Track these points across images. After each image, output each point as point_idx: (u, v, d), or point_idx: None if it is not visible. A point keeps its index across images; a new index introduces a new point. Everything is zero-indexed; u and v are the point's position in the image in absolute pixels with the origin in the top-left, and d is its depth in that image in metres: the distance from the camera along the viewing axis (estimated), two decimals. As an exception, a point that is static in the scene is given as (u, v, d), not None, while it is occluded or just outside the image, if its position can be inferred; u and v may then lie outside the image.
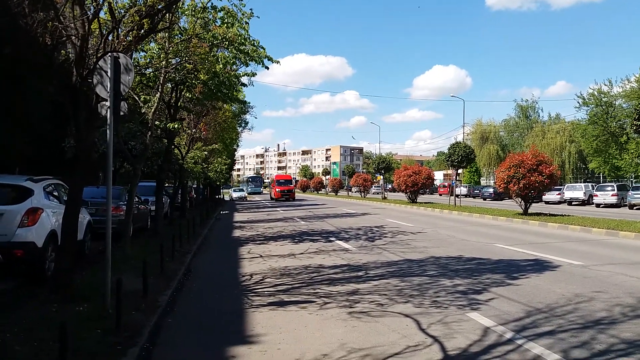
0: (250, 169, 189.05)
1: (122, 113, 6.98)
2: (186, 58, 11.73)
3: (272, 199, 52.23)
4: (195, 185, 34.07)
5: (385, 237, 15.30)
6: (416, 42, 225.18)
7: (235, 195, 57.99)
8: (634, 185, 39.09)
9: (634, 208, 30.60)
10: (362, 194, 55.18)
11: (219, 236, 17.02)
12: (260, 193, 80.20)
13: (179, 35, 11.71)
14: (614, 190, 32.89)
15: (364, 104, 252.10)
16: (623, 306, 6.52)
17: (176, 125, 13.65)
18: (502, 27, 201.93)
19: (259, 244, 14.20)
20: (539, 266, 9.74)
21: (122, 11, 7.87)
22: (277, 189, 51.03)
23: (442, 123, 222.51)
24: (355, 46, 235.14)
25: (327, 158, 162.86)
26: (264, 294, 7.67)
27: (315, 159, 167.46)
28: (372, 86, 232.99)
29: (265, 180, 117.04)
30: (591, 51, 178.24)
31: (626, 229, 15.27)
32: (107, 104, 6.36)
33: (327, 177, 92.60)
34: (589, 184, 39.21)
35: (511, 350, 4.92)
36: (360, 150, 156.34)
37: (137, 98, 11.75)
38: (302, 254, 11.89)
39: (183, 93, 14.64)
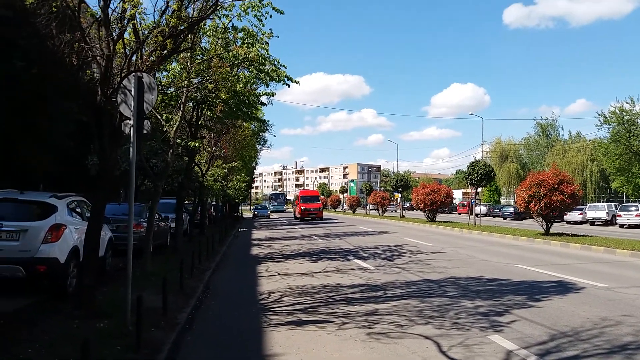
0: (268, 187, 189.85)
1: (145, 131, 7.13)
2: (207, 77, 11.95)
3: (295, 217, 47.51)
4: (214, 203, 34.31)
5: (404, 256, 15.16)
6: (433, 61, 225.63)
7: (257, 212, 57.37)
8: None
9: (660, 229, 29.83)
10: (380, 212, 54.94)
11: (237, 254, 17.06)
12: (283, 211, 78.93)
13: (201, 56, 11.93)
14: (637, 210, 32.13)
15: (382, 122, 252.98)
16: (651, 331, 6.33)
17: (197, 144, 13.83)
18: (520, 46, 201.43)
19: (277, 261, 14.20)
20: (562, 288, 9.54)
21: (146, 32, 8.07)
22: (302, 207, 45.71)
23: (460, 141, 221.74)
24: (373, 65, 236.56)
25: (344, 176, 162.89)
26: (282, 312, 7.64)
27: (332, 177, 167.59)
28: (390, 104, 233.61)
29: (288, 198, 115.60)
30: (611, 69, 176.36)
31: (650, 250, 14.88)
32: (131, 122, 6.49)
33: (345, 194, 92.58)
34: (612, 204, 38.43)
35: (535, 375, 4.81)
36: (378, 168, 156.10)
37: (159, 117, 11.96)
38: (320, 272, 11.85)
39: (204, 112, 14.86)
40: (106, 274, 10.01)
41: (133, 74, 6.54)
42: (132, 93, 6.41)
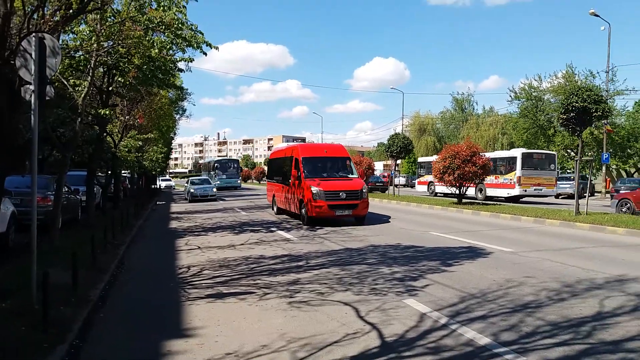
0: (189, 158, 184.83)
1: (48, 98, 6.57)
2: (119, 41, 11.20)
3: (279, 210, 20.30)
4: (129, 175, 32.81)
5: (327, 226, 15.39)
6: (357, 34, 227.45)
7: (195, 190, 31.48)
8: (559, 175, 41.52)
9: (560, 197, 32.48)
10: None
11: (154, 227, 16.52)
12: (237, 187, 50.44)
13: (112, 18, 11.15)
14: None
15: (306, 93, 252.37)
16: (549, 290, 6.89)
17: (108, 112, 13.05)
18: (439, 22, 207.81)
19: (197, 235, 13.90)
20: (472, 253, 10.14)
21: (49, -12, 7.39)
22: (315, 189, 15.52)
23: (382, 114, 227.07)
24: (297, 35, 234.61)
25: (269, 148, 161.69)
26: (201, 286, 7.51)
27: (257, 149, 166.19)
28: (314, 76, 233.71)
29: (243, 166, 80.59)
30: (522, 47, 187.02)
31: (552, 217, 16.18)
32: (32, 87, 5.95)
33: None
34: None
35: (445, 335, 5.08)
36: (303, 140, 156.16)
37: (65, 82, 11.10)
38: (242, 245, 11.75)
39: (116, 78, 13.97)
40: (9, 251, 9.30)
41: (34, 35, 5.97)
42: (33, 56, 5.86)
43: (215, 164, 51.33)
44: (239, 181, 52.49)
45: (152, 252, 11.30)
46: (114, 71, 13.42)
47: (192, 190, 31.20)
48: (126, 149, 20.77)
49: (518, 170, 26.20)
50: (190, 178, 37.93)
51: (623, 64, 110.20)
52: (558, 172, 44.58)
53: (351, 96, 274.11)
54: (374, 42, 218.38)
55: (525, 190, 26.22)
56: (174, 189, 57.96)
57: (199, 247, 11.39)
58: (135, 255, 10.51)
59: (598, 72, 35.91)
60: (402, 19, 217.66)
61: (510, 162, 26.95)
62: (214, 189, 32.66)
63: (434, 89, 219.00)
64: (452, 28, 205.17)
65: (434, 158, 28.33)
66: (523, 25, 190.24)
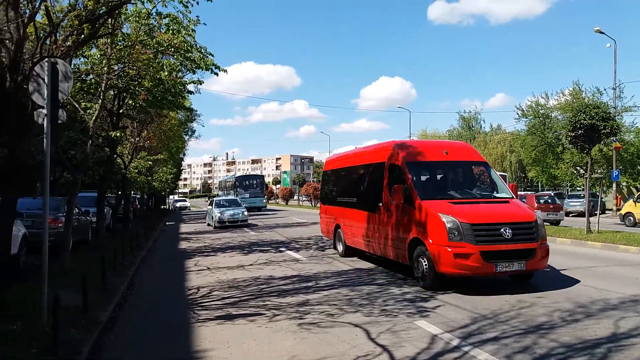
0: (197, 178, 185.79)
1: (60, 121, 6.67)
2: (129, 64, 11.38)
3: (349, 251, 12.58)
4: (139, 196, 33.02)
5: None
6: (363, 54, 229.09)
7: (223, 214, 25.15)
8: (569, 193, 41.24)
9: (570, 215, 32.18)
10: (313, 203, 55.25)
11: (164, 248, 16.54)
12: (262, 208, 45.55)
13: (122, 42, 11.35)
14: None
15: (313, 113, 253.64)
16: (562, 311, 6.79)
17: (118, 134, 13.19)
18: (444, 41, 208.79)
19: (207, 255, 13.90)
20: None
21: (61, 15, 7.54)
22: (450, 221, 8.09)
23: (389, 133, 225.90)
24: (303, 56, 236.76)
25: (277, 167, 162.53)
26: (211, 307, 7.48)
27: (265, 168, 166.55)
28: (321, 96, 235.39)
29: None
30: (527, 65, 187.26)
31: (563, 235, 16.01)
32: (44, 111, 6.05)
33: (278, 186, 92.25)
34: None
35: (458, 358, 5.01)
36: (311, 159, 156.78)
37: (77, 105, 11.27)
38: (251, 265, 11.72)
39: (126, 101, 14.18)
40: (20, 273, 9.33)
41: (46, 60, 6.09)
42: (46, 80, 5.97)
43: (236, 181, 47.52)
44: (264, 200, 46.96)
45: (162, 273, 11.30)
46: (125, 94, 13.62)
47: (218, 215, 24.17)
48: (136, 170, 20.96)
49: None
50: (214, 199, 29.21)
51: (630, 81, 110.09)
52: (567, 190, 44.21)
53: (358, 115, 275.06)
54: (380, 61, 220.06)
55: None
56: (189, 209, 57.30)
57: (208, 268, 11.38)
58: (145, 277, 10.51)
59: (605, 89, 35.67)
60: (407, 39, 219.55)
61: None
62: (245, 212, 25.55)
63: (440, 108, 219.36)
64: (457, 47, 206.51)
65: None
66: (528, 44, 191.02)
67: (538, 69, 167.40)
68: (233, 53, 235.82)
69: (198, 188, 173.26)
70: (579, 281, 8.91)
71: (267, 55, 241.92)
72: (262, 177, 50.09)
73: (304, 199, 66.48)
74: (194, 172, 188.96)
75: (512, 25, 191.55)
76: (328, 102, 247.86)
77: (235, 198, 30.50)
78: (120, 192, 21.24)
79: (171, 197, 64.71)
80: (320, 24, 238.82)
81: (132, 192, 25.69)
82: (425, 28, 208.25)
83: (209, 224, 26.41)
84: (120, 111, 14.50)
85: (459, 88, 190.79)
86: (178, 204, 57.86)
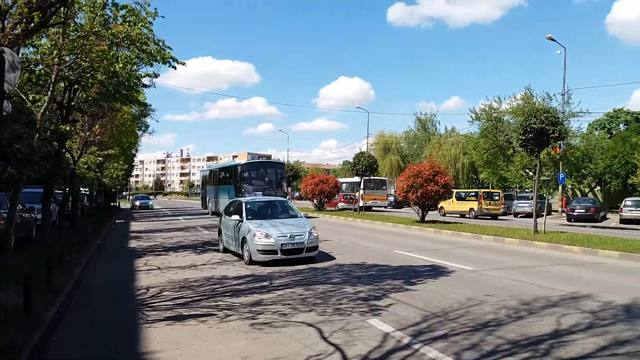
0: (150, 175, 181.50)
1: (5, 113, 6.35)
2: (82, 56, 10.97)
3: None
4: (88, 192, 31.91)
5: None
6: (323, 54, 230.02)
7: (267, 236, 11.29)
8: (518, 195, 42.77)
9: (519, 216, 33.37)
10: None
11: (113, 247, 16.05)
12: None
13: (75, 32, 10.93)
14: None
15: (272, 111, 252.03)
16: (508, 308, 7.01)
17: (68, 128, 12.70)
18: (403, 44, 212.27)
19: (157, 255, 13.57)
20: (435, 272, 10.24)
21: (9, 1, 7.19)
22: None
23: (348, 133, 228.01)
24: (263, 54, 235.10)
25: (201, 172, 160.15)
26: (161, 308, 7.30)
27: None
28: (280, 94, 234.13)
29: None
30: (482, 69, 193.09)
31: (511, 235, 16.57)
32: (-14, 102, 5.73)
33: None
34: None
35: (408, 355, 5.08)
36: (269, 157, 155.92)
37: (24, 97, 10.78)
38: (204, 265, 11.53)
39: (77, 93, 13.68)
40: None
41: (-9, 47, 5.78)
42: (-11, 69, 5.66)
43: (242, 172, 28.19)
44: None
45: (110, 272, 10.95)
46: (76, 86, 13.13)
47: (261, 238, 11.45)
48: (85, 166, 20.25)
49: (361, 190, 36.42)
50: (241, 202, 13.50)
51: (578, 87, 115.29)
52: (517, 191, 45.88)
53: (317, 114, 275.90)
54: (340, 61, 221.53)
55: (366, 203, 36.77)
56: (150, 207, 48.88)
57: (159, 268, 11.11)
58: (92, 276, 10.16)
59: (554, 95, 37.10)
60: (367, 40, 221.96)
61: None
62: (312, 229, 12.12)
63: (398, 109, 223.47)
64: (415, 49, 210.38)
65: (353, 179, 38.67)
66: (483, 48, 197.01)
67: (492, 73, 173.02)
68: (191, 47, 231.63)
69: (150, 185, 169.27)
70: (524, 280, 9.22)
71: (226, 50, 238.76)
72: (282, 165, 31.33)
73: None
74: (147, 169, 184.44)
75: (469, 29, 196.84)
76: (287, 100, 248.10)
77: (283, 200, 15.23)
78: (68, 189, 20.46)
79: (136, 195, 58.99)
80: (280, 22, 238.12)
81: (81, 188, 24.81)
82: (384, 30, 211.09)
83: (225, 249, 13.66)
84: (71, 104, 13.97)
85: (417, 90, 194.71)
86: (138, 202, 49.07)
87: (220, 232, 14.05)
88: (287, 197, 26.07)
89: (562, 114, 33.07)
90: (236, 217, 12.38)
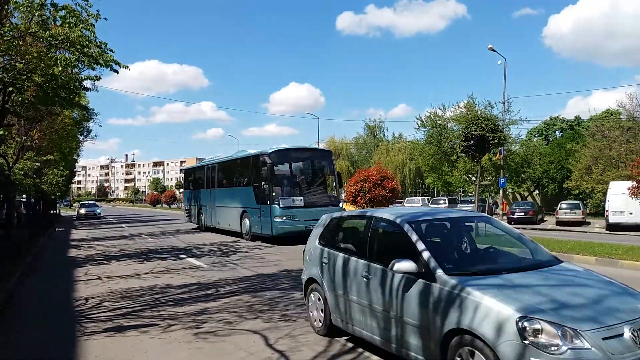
0: (93, 181, 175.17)
1: None
2: (17, 57, 10.47)
3: None
4: (25, 199, 30.40)
5: (241, 251, 15.13)
6: (273, 59, 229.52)
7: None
8: (462, 199, 44.22)
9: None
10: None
11: (51, 256, 15.34)
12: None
13: (10, 32, 10.42)
14: (445, 203, 36.78)
15: (222, 115, 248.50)
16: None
17: (3, 132, 12.07)
18: (352, 51, 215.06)
19: (99, 264, 13.07)
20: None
21: None
22: None
23: (298, 138, 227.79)
24: (212, 58, 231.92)
25: (181, 170, 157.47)
26: (100, 319, 7.03)
27: (168, 172, 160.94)
28: (230, 99, 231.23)
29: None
30: (428, 77, 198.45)
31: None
32: None
33: (182, 190, 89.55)
34: (426, 198, 43.36)
35: (353, 359, 5.13)
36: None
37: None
38: (147, 273, 11.20)
39: (12, 96, 13.02)
40: None
41: None
42: None
43: (270, 164, 17.05)
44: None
45: (47, 283, 10.45)
46: (11, 88, 12.49)
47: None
48: (22, 172, 19.29)
49: None
50: (414, 224, 5.14)
51: (518, 96, 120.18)
52: (461, 195, 47.46)
53: (268, 120, 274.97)
54: (290, 67, 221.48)
55: None
56: (98, 215, 44.52)
57: (100, 277, 10.71)
58: (27, 287, 9.67)
59: (495, 103, 38.60)
60: (317, 47, 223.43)
61: None
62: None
63: (348, 115, 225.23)
64: (364, 57, 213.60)
65: None
66: (429, 57, 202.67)
67: (438, 82, 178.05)
68: (137, 50, 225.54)
69: (93, 192, 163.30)
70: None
71: (174, 54, 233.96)
72: (329, 154, 20.81)
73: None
74: (90, 175, 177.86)
75: (416, 39, 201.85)
76: (237, 104, 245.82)
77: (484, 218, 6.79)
78: (2, 196, 19.41)
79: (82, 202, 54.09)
80: (230, 27, 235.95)
81: (18, 195, 23.60)
82: (334, 38, 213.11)
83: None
84: (6, 107, 13.27)
85: (366, 97, 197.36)
86: (84, 210, 44.70)
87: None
88: (341, 204, 18.80)
89: (502, 121, 34.41)
90: (405, 265, 4.43)
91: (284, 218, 16.38)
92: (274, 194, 16.55)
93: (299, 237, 14.49)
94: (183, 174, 31.84)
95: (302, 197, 16.91)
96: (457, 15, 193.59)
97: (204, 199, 23.88)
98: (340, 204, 17.24)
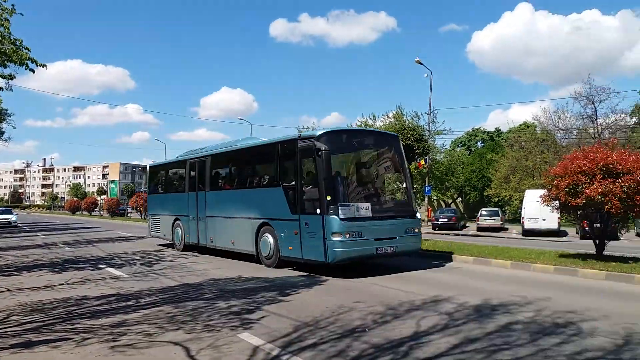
0: (6, 187, 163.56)
1: None
2: None
3: None
4: None
5: (165, 261, 14.62)
6: (204, 63, 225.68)
7: None
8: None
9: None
10: (143, 216, 52.22)
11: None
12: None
13: None
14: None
15: (148, 119, 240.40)
16: (375, 314, 7.33)
17: None
18: (285, 58, 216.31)
19: (8, 275, 12.13)
20: (309, 281, 10.41)
21: None
22: None
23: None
24: (139, 60, 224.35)
25: (104, 176, 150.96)
26: (6, 335, 6.49)
27: (90, 177, 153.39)
28: (157, 102, 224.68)
29: None
30: (359, 87, 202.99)
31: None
32: None
33: (103, 197, 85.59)
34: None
35: (277, 368, 5.07)
36: (144, 168, 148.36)
37: None
38: (62, 285, 10.52)
39: None
40: None
41: None
42: None
43: (325, 153, 10.79)
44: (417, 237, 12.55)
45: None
46: None
47: None
48: None
49: None
50: None
51: (442, 107, 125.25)
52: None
53: (197, 124, 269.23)
54: (222, 72, 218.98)
55: None
56: (13, 224, 39.93)
57: (8, 290, 9.93)
58: None
59: (422, 114, 39.97)
60: (249, 53, 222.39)
61: None
62: None
63: (282, 122, 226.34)
64: (297, 65, 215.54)
65: None
66: (360, 68, 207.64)
67: (369, 92, 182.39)
68: (58, 49, 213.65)
69: (6, 197, 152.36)
70: (390, 286, 9.73)
71: (98, 54, 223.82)
72: (396, 138, 13.24)
73: (130, 211, 62.45)
74: (2, 180, 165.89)
75: (348, 49, 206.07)
76: (165, 108, 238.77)
77: None
78: None
79: None
80: (160, 29, 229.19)
81: None
82: (267, 44, 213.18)
83: None
84: None
85: (299, 104, 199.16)
86: None
87: None
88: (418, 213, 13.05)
89: (428, 131, 35.73)
90: None
91: (347, 236, 10.69)
92: (328, 198, 10.81)
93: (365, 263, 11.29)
94: (147, 174, 25.06)
95: (369, 205, 11.47)
96: (388, 28, 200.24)
97: (185, 207, 17.32)
98: (418, 215, 12.80)
